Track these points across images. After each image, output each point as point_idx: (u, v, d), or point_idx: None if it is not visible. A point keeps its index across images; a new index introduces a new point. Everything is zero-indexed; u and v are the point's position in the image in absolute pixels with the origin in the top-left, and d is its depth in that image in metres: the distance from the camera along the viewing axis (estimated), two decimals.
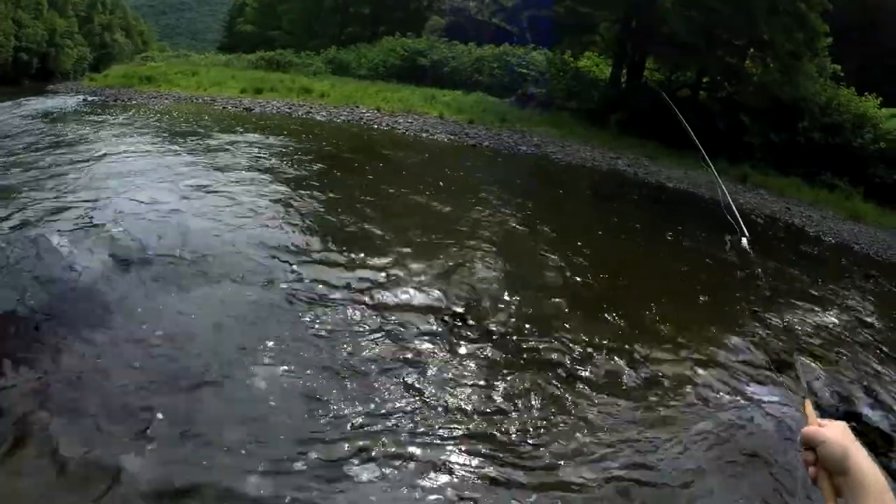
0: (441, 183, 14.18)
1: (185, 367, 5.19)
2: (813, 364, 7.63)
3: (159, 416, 4.53)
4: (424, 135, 21.06)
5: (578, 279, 9.49)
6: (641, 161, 21.87)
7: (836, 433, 1.47)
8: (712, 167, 3.66)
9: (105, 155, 12.23)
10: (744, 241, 2.77)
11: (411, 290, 7.27)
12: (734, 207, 2.85)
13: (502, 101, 27.87)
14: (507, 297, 7.68)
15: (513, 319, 7.09)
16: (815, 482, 1.47)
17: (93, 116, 18.62)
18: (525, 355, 6.32)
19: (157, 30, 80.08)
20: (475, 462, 4.66)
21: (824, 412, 5.28)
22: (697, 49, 24.03)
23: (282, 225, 9.06)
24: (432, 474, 4.48)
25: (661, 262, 11.50)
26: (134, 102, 23.04)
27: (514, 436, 5.05)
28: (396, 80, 31.14)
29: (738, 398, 6.35)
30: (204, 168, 11.93)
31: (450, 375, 5.74)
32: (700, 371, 6.77)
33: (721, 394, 6.46)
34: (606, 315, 7.91)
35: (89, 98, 24.14)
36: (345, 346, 5.95)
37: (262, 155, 13.95)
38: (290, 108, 23.37)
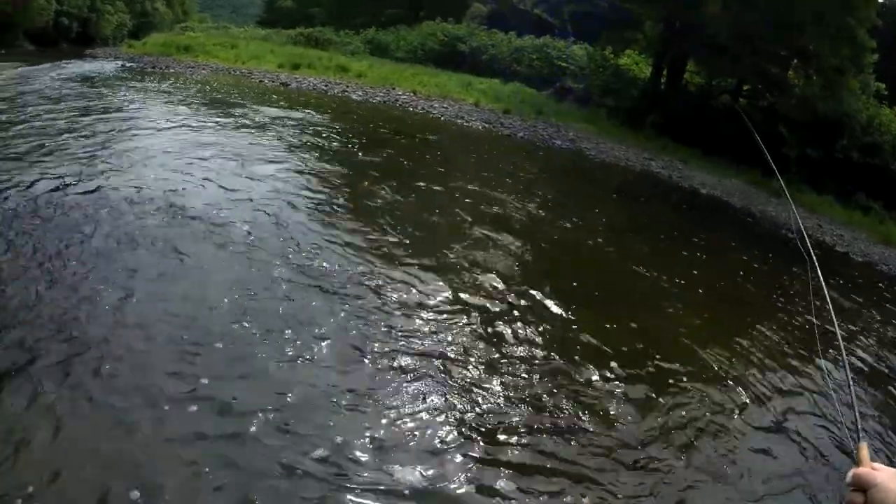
0: (472, 169, 14.15)
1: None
2: (871, 402, 7.62)
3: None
4: (459, 121, 20.98)
5: (604, 277, 9.47)
6: (675, 164, 21.67)
7: (890, 478, 1.44)
8: (787, 193, 3.58)
9: (140, 123, 12.42)
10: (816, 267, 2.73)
11: (427, 275, 7.25)
12: (805, 234, 2.82)
13: (539, 93, 27.71)
14: (524, 289, 7.65)
15: (525, 315, 7.02)
16: None
17: (131, 83, 18.77)
18: (534, 353, 6.26)
19: (198, 1, 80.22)
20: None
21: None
22: (739, 55, 23.65)
23: (310, 198, 9.20)
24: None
25: (691, 268, 11.35)
26: (172, 71, 23.14)
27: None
28: (434, 64, 31.04)
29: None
30: (239, 140, 12.03)
31: (466, 365, 5.72)
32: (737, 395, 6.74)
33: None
34: (624, 316, 7.85)
35: (127, 64, 24.26)
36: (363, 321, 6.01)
37: (296, 130, 14.07)
38: (326, 86, 23.36)
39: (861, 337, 10.31)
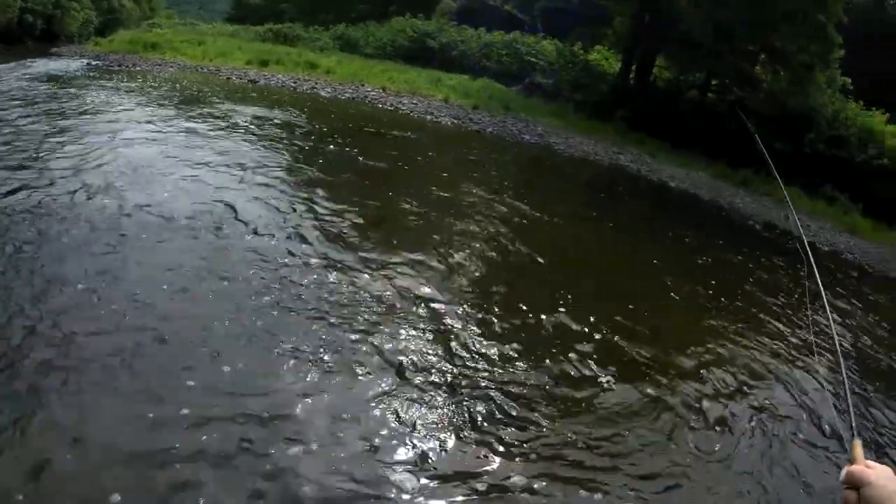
0: (441, 165, 14.12)
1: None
2: (866, 401, 7.71)
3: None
4: (429, 117, 20.90)
5: (574, 271, 9.52)
6: (644, 158, 21.80)
7: (884, 477, 1.45)
8: (788, 198, 3.61)
9: (105, 127, 11.92)
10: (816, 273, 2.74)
11: (395, 272, 7.21)
12: (805, 240, 2.84)
13: (509, 88, 27.67)
14: (491, 285, 7.65)
15: (494, 308, 7.03)
16: None
17: (96, 82, 18.35)
18: (502, 349, 6.21)
19: None
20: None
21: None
22: (709, 50, 23.83)
23: (274, 197, 9.06)
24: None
25: (660, 260, 11.43)
26: (138, 69, 22.76)
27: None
28: (403, 60, 30.85)
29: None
30: (205, 139, 11.74)
31: (433, 359, 5.71)
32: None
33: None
34: (599, 309, 7.87)
35: (93, 62, 23.82)
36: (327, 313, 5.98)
37: (263, 129, 13.79)
38: (294, 83, 23.14)
39: (846, 331, 10.49)
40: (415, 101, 22.63)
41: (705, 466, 5.23)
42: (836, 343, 2.35)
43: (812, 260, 2.80)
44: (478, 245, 9.00)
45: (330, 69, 26.63)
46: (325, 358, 5.19)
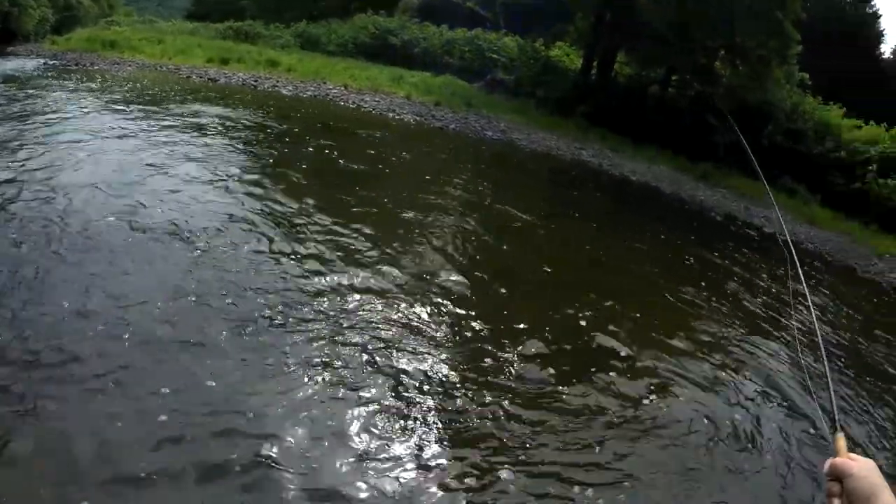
0: (404, 163, 14.09)
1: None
2: (848, 392, 7.85)
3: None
4: (391, 114, 20.82)
5: (537, 266, 9.58)
6: (605, 153, 21.98)
7: (865, 469, 1.47)
8: (774, 202, 3.68)
9: (58, 126, 11.57)
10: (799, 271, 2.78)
11: (359, 272, 7.18)
12: (790, 242, 2.90)
13: (471, 85, 27.66)
14: (453, 285, 7.66)
15: (458, 308, 7.00)
16: None
17: (53, 82, 17.95)
18: (467, 349, 6.25)
19: None
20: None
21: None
22: (670, 46, 24.10)
23: (235, 198, 8.94)
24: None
25: (625, 253, 11.61)
26: (96, 68, 22.32)
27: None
28: (365, 58, 30.67)
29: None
30: (162, 142, 11.34)
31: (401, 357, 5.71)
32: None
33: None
34: (567, 302, 7.96)
35: (50, 62, 23.33)
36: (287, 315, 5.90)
37: (223, 130, 13.52)
38: (255, 81, 22.89)
39: (824, 324, 10.73)
40: (377, 99, 22.54)
41: (684, 462, 5.27)
42: (820, 339, 2.38)
43: (796, 258, 2.85)
44: (445, 242, 9.00)
45: (291, 67, 26.39)
46: (306, 368, 5.14)
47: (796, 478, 5.48)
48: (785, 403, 6.83)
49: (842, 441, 1.63)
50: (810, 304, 2.62)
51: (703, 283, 10.79)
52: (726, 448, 5.68)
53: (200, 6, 52.95)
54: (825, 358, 2.25)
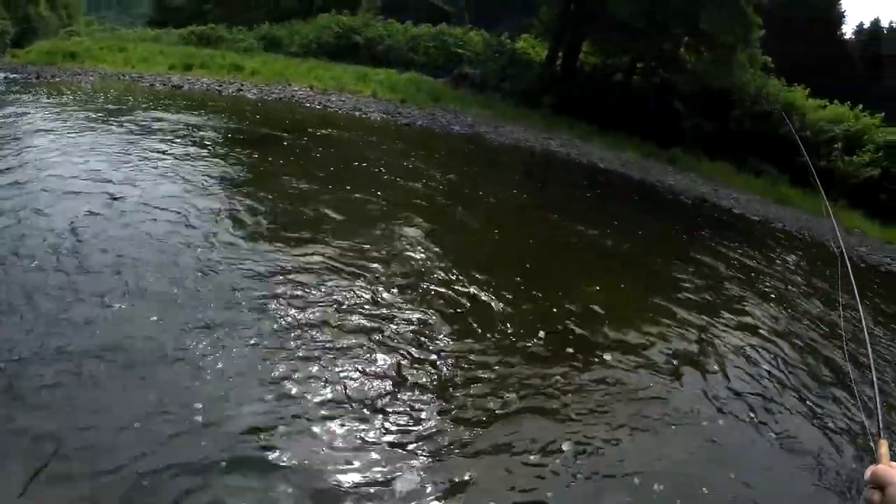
0: (373, 161, 13.97)
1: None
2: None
3: None
4: (357, 113, 20.71)
5: (508, 257, 9.60)
6: (574, 142, 22.04)
7: None
8: (829, 209, 3.68)
9: (22, 142, 11.40)
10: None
11: (334, 274, 7.15)
12: (843, 249, 2.87)
13: (437, 80, 27.56)
14: (432, 283, 7.66)
15: (437, 299, 7.03)
16: None
17: (14, 96, 17.57)
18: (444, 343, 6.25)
19: (83, 2, 77.17)
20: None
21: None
22: (636, 35, 24.29)
23: (204, 205, 8.85)
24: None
25: (599, 241, 11.67)
26: (57, 80, 21.93)
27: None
28: (330, 57, 30.46)
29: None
30: (125, 153, 10.99)
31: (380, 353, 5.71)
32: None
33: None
34: (550, 293, 7.99)
35: (10, 76, 22.89)
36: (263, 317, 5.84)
37: (188, 136, 13.30)
38: (220, 86, 22.67)
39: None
40: (342, 99, 22.41)
41: (726, 461, 5.33)
42: (869, 347, 2.30)
43: (850, 270, 2.80)
44: (415, 238, 8.97)
45: (255, 70, 26.19)
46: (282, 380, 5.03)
47: (836, 484, 5.48)
48: (826, 407, 6.85)
49: (884, 448, 1.60)
50: (862, 315, 2.55)
51: (695, 272, 10.90)
52: (761, 449, 5.71)
53: (161, 12, 52.27)
54: (872, 364, 2.18)
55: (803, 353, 8.35)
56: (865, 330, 2.39)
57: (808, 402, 6.84)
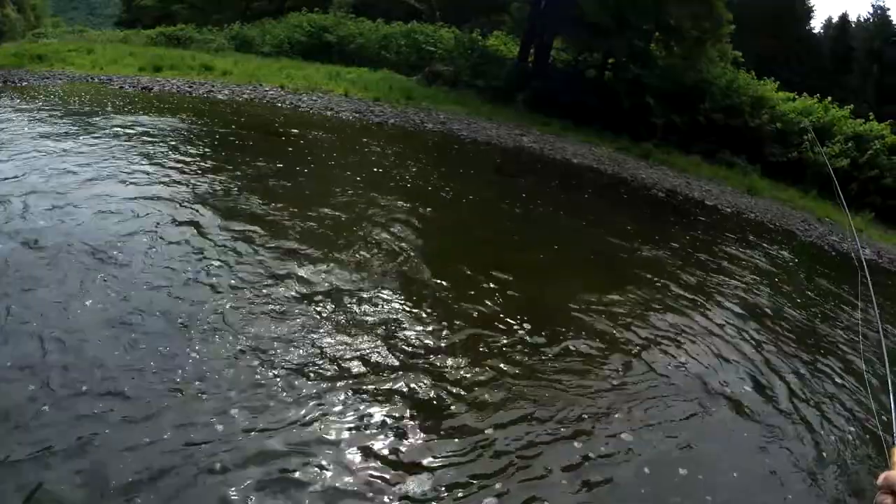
0: (346, 161, 13.94)
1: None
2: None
3: None
4: (329, 113, 20.57)
5: (478, 251, 9.66)
6: (546, 138, 22.08)
7: None
8: (848, 215, 3.66)
9: None
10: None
11: (307, 276, 7.14)
12: (863, 257, 2.87)
13: (409, 78, 27.49)
14: (417, 273, 7.71)
15: (421, 297, 7.12)
16: None
17: None
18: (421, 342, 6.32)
19: (50, 3, 76.24)
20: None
21: None
22: (606, 31, 24.44)
23: (177, 208, 8.78)
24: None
25: (571, 235, 11.76)
26: (25, 84, 21.53)
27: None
28: (301, 57, 30.25)
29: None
30: (94, 159, 10.75)
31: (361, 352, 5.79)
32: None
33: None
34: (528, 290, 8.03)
35: None
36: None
37: (157, 138, 13.10)
38: (190, 87, 22.40)
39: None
40: (314, 98, 22.25)
41: (732, 463, 5.41)
42: (884, 347, 2.29)
43: (867, 276, 2.79)
44: (389, 237, 9.00)
45: (226, 71, 25.91)
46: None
47: (847, 488, 5.52)
48: (841, 413, 6.91)
49: None
50: (878, 319, 2.55)
51: (671, 261, 11.08)
52: (772, 448, 5.81)
53: (130, 12, 51.77)
54: (888, 367, 2.17)
55: (807, 348, 8.53)
56: (882, 338, 2.40)
57: (812, 402, 6.94)
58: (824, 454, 5.91)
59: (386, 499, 4.18)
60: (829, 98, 26.87)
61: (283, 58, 30.00)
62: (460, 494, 4.32)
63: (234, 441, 4.36)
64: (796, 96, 27.33)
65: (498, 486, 4.48)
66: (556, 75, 27.27)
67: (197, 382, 4.91)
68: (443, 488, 4.33)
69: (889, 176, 23.43)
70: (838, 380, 7.72)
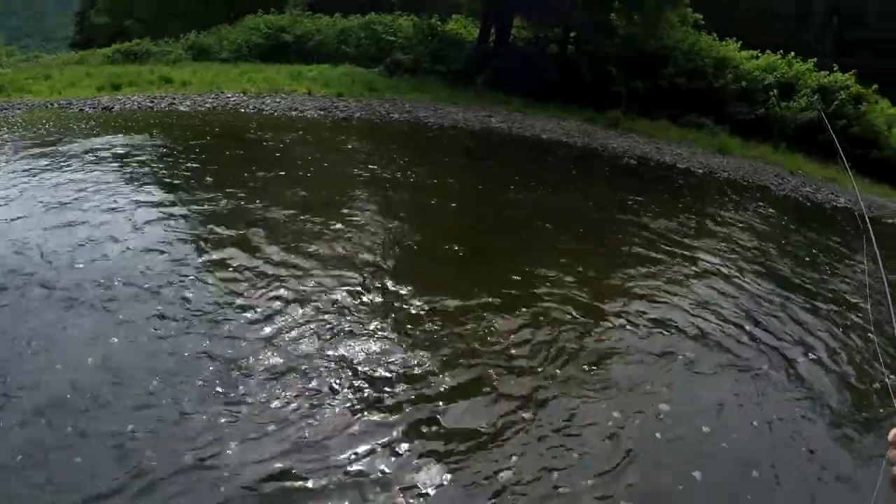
0: (314, 159, 13.88)
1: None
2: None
3: None
4: (294, 113, 20.40)
5: (455, 233, 9.65)
6: (514, 116, 22.08)
7: None
8: (852, 178, 3.64)
9: None
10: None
11: (289, 278, 7.15)
12: (867, 217, 2.85)
13: (370, 71, 27.25)
14: (396, 266, 7.72)
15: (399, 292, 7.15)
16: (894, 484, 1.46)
17: None
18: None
19: (3, 32, 75.18)
20: None
21: None
22: (564, 6, 24.41)
23: (143, 227, 8.70)
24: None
25: (546, 210, 11.78)
26: None
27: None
28: (261, 59, 29.93)
29: None
30: (58, 185, 10.46)
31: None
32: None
33: None
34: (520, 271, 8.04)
35: None
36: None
37: (121, 157, 12.84)
38: (151, 102, 22.07)
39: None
40: (277, 100, 22.03)
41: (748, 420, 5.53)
42: (890, 305, 2.27)
43: (872, 235, 2.78)
44: (370, 227, 9.22)
45: (186, 81, 25.60)
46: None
47: (860, 445, 5.60)
48: (850, 366, 7.00)
49: None
50: (883, 276, 2.53)
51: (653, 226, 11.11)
52: (779, 404, 5.92)
53: (84, 33, 51.12)
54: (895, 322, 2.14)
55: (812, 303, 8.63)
56: (888, 292, 2.37)
57: (819, 357, 6.99)
58: (836, 410, 5.96)
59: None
60: (792, 53, 26.95)
61: (242, 62, 29.65)
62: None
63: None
64: (759, 54, 27.37)
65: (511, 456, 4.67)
66: (517, 54, 27.18)
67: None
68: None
69: (856, 125, 23.62)
70: (844, 333, 7.77)
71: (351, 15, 33.51)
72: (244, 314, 6.27)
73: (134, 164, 12.41)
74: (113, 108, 21.01)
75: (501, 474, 4.51)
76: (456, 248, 8.84)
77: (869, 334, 7.73)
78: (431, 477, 4.35)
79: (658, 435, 5.16)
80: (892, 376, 6.58)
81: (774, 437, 5.38)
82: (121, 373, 5.18)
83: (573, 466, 4.69)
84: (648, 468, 4.80)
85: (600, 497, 4.50)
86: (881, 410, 5.99)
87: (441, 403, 5.18)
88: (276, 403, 4.96)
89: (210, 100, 22.16)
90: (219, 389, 5.07)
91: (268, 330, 5.99)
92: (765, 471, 4.98)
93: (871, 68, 28.07)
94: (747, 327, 7.37)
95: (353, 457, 4.49)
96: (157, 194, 10.40)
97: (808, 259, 11.04)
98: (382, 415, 4.93)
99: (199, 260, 7.55)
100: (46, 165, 12.27)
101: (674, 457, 4.99)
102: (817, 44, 37.18)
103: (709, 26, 28.16)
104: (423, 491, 4.27)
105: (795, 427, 5.57)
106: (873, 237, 2.76)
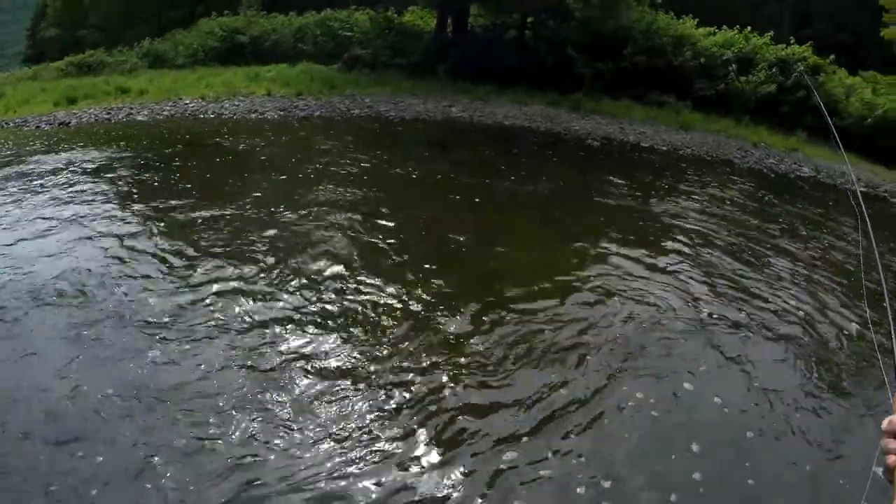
0: (277, 160, 13.79)
1: None
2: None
3: None
4: (254, 115, 20.16)
5: (422, 223, 9.66)
6: (475, 105, 22.03)
7: None
8: (845, 155, 3.62)
9: None
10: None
11: (262, 284, 7.12)
12: (860, 195, 2.80)
13: (329, 67, 27.04)
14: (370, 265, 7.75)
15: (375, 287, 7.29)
16: (890, 472, 1.41)
17: None
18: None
19: None
20: None
21: None
22: None
23: (103, 239, 8.59)
24: None
25: (511, 195, 11.81)
26: None
27: None
28: (218, 62, 29.54)
29: None
30: (14, 208, 10.23)
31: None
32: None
33: None
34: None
35: None
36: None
37: (81, 173, 12.60)
38: (108, 114, 21.64)
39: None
40: (236, 103, 21.75)
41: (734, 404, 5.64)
42: (885, 291, 2.21)
43: (865, 214, 2.71)
44: (336, 229, 9.21)
45: (143, 90, 25.15)
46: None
47: (852, 431, 5.59)
48: (842, 354, 7.04)
49: None
50: (877, 259, 2.47)
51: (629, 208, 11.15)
52: (770, 393, 5.88)
53: (36, 47, 50.24)
54: (889, 309, 2.09)
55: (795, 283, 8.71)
56: (883, 280, 2.31)
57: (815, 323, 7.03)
58: (837, 404, 5.97)
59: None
60: (749, 28, 27.12)
61: (199, 67, 29.21)
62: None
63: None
64: (716, 30, 27.50)
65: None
66: (476, 42, 27.08)
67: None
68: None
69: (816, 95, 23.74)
70: (838, 308, 7.84)
71: (306, 12, 33.16)
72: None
73: (94, 180, 12.16)
74: (70, 122, 20.58)
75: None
76: (423, 241, 8.85)
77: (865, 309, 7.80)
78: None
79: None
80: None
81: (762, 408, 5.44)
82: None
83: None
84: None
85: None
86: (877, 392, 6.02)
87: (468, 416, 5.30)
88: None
89: (168, 107, 21.82)
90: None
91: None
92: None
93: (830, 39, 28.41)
94: (731, 293, 7.43)
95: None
96: (117, 210, 10.23)
97: (785, 227, 11.14)
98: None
99: (174, 269, 7.45)
100: (4, 188, 12.06)
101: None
102: (773, 18, 37.43)
103: (666, 4, 28.31)
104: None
105: (786, 410, 5.59)
106: (870, 225, 2.72)
